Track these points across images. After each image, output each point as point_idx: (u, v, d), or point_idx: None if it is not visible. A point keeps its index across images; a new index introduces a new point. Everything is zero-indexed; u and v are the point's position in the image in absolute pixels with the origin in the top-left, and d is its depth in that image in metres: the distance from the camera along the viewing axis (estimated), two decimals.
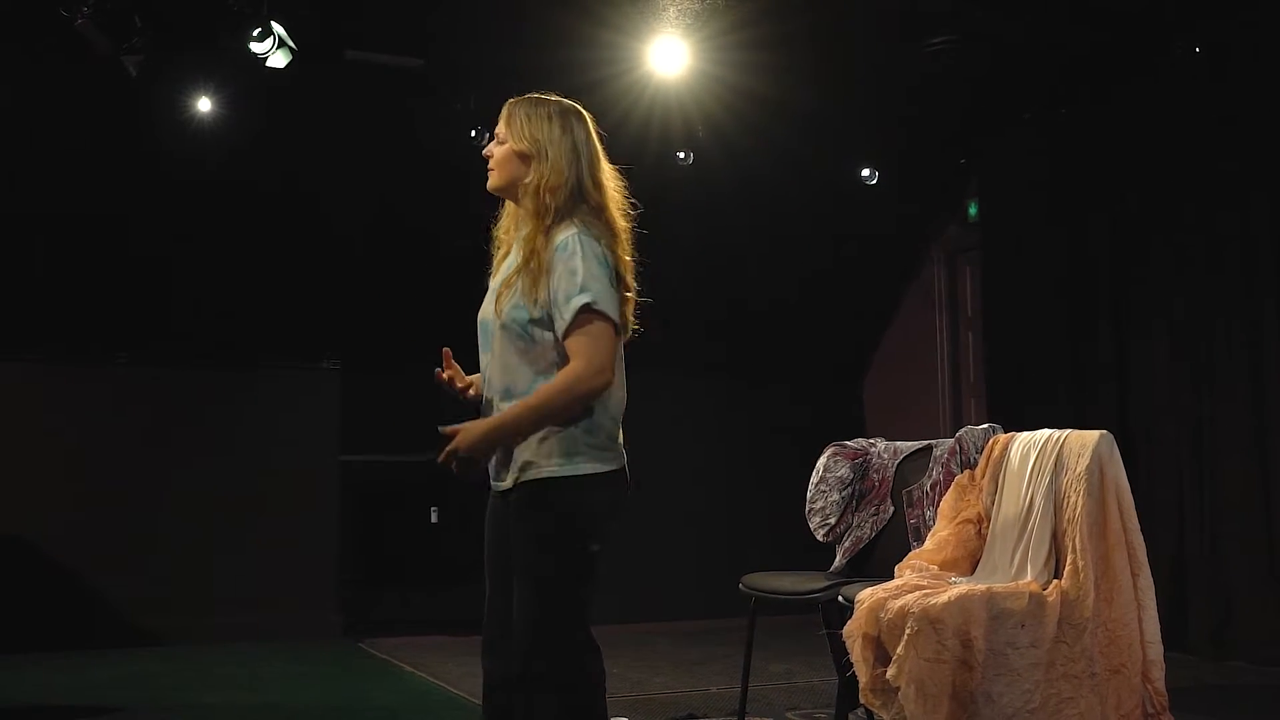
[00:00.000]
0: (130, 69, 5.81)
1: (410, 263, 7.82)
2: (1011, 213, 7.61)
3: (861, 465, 4.46)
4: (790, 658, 6.10)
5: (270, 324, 7.41)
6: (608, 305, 2.88)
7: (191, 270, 7.25)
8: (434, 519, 7.65)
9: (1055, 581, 3.57)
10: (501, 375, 3.00)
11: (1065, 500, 3.66)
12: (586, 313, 2.86)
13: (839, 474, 4.48)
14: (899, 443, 4.42)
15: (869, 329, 8.87)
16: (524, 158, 3.03)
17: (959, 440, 4.14)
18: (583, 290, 2.85)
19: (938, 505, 4.05)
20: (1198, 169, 6.40)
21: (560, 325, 2.89)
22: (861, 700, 3.59)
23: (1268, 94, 6.06)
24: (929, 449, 4.28)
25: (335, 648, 6.95)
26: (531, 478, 2.92)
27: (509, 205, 3.16)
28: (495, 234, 3.19)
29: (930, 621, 3.38)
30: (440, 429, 2.96)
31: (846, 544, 4.45)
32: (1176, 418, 6.46)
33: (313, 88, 6.65)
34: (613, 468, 2.96)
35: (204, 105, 6.75)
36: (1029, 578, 3.63)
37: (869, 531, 4.34)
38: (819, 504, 4.46)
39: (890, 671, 3.42)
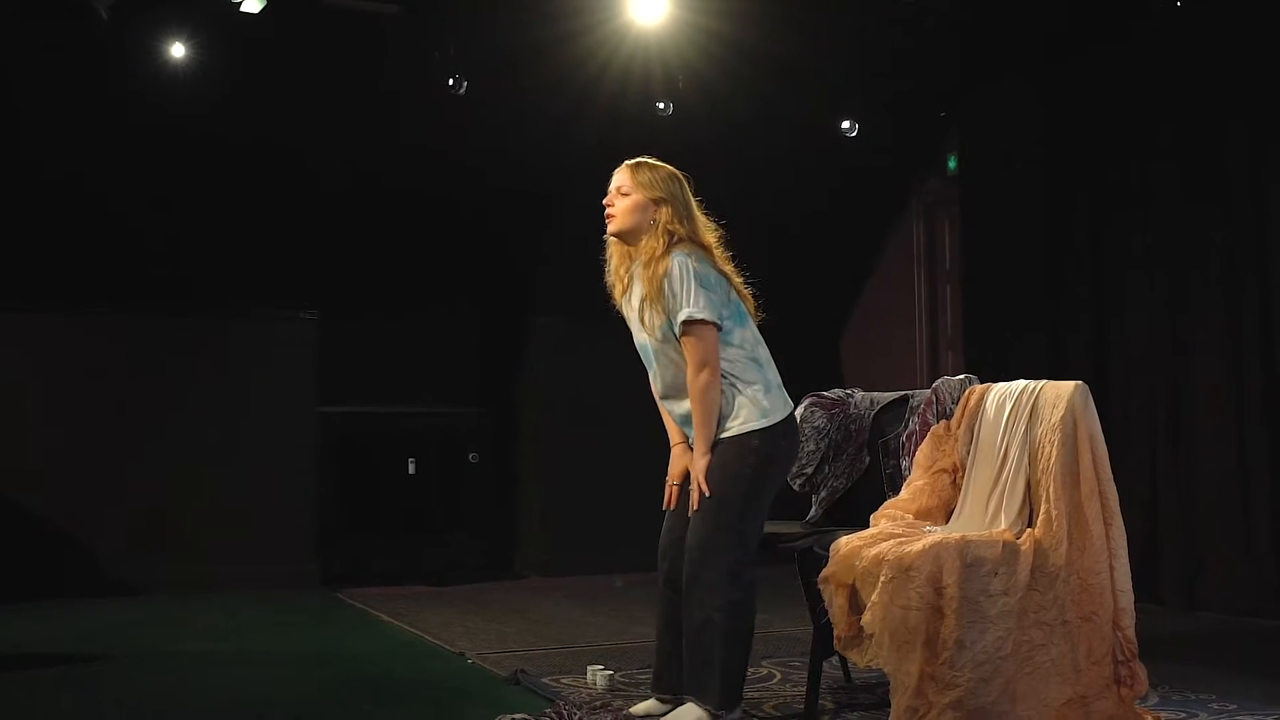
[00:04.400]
0: (102, 12, 5.74)
1: (390, 212, 7.78)
2: (990, 167, 7.60)
3: (839, 416, 4.47)
4: (766, 607, 6.07)
5: (248, 273, 7.37)
6: (705, 312, 3.81)
7: (169, 218, 7.20)
8: (411, 470, 7.65)
9: (1028, 530, 3.60)
10: (672, 375, 3.97)
11: (1040, 450, 3.69)
12: (689, 322, 3.80)
13: (816, 424, 4.49)
14: (876, 393, 4.43)
15: (848, 281, 8.87)
16: (656, 203, 3.95)
17: (935, 391, 4.15)
18: (685, 306, 3.81)
19: (914, 455, 4.07)
20: (1177, 125, 6.39)
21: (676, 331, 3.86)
22: (836, 648, 3.62)
23: (1247, 48, 6.05)
24: (905, 399, 4.29)
25: (313, 598, 6.97)
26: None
27: (616, 248, 4.05)
28: (608, 277, 4.10)
29: (904, 569, 3.41)
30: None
31: (823, 494, 4.47)
32: (1153, 372, 6.50)
33: (288, 34, 6.58)
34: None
35: (177, 50, 6.68)
36: (1003, 526, 3.66)
37: (845, 481, 4.36)
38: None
39: (865, 619, 3.45)
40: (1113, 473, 3.68)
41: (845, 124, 7.83)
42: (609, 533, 7.32)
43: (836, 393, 4.57)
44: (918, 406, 4.19)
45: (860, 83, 7.60)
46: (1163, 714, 3.81)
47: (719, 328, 3.86)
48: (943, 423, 4.03)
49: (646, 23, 6.55)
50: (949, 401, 4.07)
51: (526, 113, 7.44)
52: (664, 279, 3.84)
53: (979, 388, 4.01)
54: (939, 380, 4.20)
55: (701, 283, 3.84)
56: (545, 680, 4.64)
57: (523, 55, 6.91)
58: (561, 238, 8.13)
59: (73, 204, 7.06)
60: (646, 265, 3.89)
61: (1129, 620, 3.60)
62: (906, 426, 4.19)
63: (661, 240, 3.90)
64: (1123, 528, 3.64)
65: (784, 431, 3.94)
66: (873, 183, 8.41)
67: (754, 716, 4.05)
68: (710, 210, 4.21)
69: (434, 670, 5.02)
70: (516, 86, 7.17)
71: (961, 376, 4.17)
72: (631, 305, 4.01)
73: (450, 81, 6.94)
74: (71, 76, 6.80)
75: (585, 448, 7.99)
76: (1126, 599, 3.60)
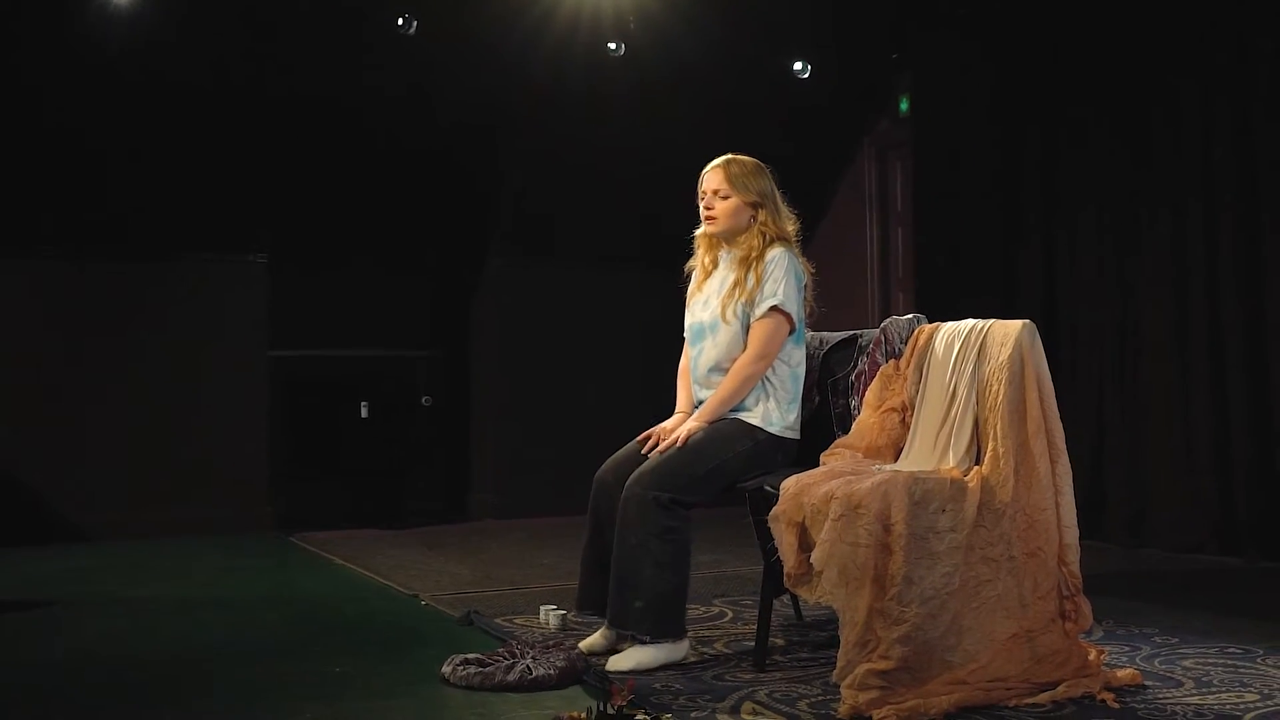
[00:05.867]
0: None
1: (339, 153, 7.70)
2: (942, 109, 7.60)
3: None
4: (718, 547, 6.19)
5: (196, 217, 7.26)
6: (791, 307, 4.09)
7: (116, 161, 7.08)
8: (364, 414, 7.63)
9: (976, 468, 3.63)
10: (718, 356, 4.15)
11: (987, 388, 3.71)
12: (773, 309, 4.06)
13: None
14: (825, 333, 4.44)
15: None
16: (753, 205, 4.20)
17: (884, 330, 4.16)
18: (776, 293, 4.06)
19: (863, 394, 4.09)
20: (1127, 67, 6.42)
21: (753, 315, 4.09)
22: (786, 585, 3.64)
23: None
24: (854, 339, 4.30)
25: (267, 541, 6.97)
26: None
27: (706, 240, 4.28)
28: (693, 266, 4.36)
29: (853, 507, 3.43)
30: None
31: None
32: (1101, 312, 6.56)
33: None
34: None
35: None
36: (951, 464, 3.69)
37: None
38: None
39: (814, 556, 3.47)
40: (1060, 411, 3.71)
41: (797, 65, 7.80)
42: (562, 474, 7.33)
43: None
44: (867, 346, 4.21)
45: (812, 23, 7.57)
46: (1106, 648, 3.88)
47: (793, 330, 4.11)
48: (892, 362, 4.06)
49: None
50: (898, 341, 4.09)
51: (477, 52, 7.36)
52: (766, 264, 4.10)
53: (928, 327, 4.03)
54: (887, 320, 4.21)
55: (798, 283, 4.13)
56: (498, 621, 4.66)
57: None
58: (513, 179, 8.09)
59: (17, 148, 6.92)
60: (744, 261, 4.14)
61: (1074, 556, 3.64)
62: (856, 366, 4.21)
63: (758, 239, 4.16)
64: (1068, 465, 3.68)
65: (788, 449, 4.12)
66: (824, 124, 8.39)
67: (705, 654, 4.09)
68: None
69: (387, 612, 5.03)
70: (466, 26, 7.09)
71: (910, 316, 4.18)
72: (703, 290, 4.24)
73: (400, 21, 6.86)
74: (17, 14, 6.65)
75: (538, 390, 8.00)
76: (1072, 535, 3.64)
